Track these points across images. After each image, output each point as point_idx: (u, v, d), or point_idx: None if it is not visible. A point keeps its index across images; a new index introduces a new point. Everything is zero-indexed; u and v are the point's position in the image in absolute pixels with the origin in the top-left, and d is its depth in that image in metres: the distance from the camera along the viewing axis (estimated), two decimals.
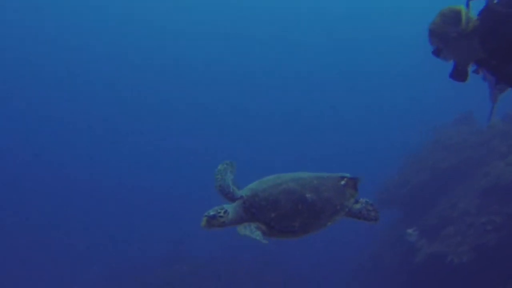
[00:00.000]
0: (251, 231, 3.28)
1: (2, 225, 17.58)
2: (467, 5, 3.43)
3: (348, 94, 30.64)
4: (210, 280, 11.53)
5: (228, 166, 3.77)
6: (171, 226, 15.59)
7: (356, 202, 3.63)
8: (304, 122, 28.98)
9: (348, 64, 32.82)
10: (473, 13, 3.40)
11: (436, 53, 3.52)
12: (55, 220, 18.42)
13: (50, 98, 30.11)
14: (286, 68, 33.43)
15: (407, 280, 8.97)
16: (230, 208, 3.41)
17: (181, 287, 11.33)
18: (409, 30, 29.29)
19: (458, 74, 3.60)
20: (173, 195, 20.80)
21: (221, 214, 3.34)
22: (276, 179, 3.54)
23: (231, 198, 3.56)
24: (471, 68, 3.59)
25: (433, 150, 10.90)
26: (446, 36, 3.42)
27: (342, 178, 3.65)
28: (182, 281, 11.58)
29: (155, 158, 26.61)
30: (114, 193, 21.83)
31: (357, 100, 29.80)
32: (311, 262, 13.32)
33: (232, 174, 3.75)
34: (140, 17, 34.49)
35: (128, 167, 25.74)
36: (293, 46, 34.60)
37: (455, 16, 3.45)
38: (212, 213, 3.33)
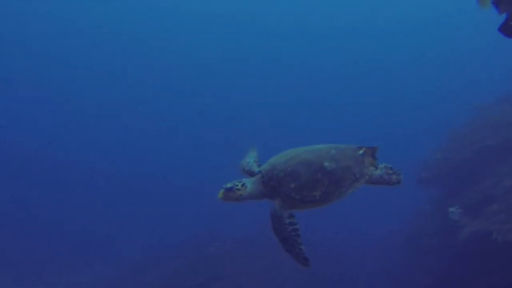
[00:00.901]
0: (294, 247, 3.29)
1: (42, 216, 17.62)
2: None
3: (393, 75, 31.40)
4: (248, 259, 11.38)
5: (251, 151, 3.98)
6: (206, 206, 16.14)
7: (376, 169, 3.68)
8: (349, 102, 29.58)
9: (396, 47, 34.17)
10: None
11: (496, 3, 3.47)
12: (94, 205, 18.76)
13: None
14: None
15: (450, 258, 8.93)
16: (249, 182, 3.48)
17: (218, 267, 11.21)
18: (455, 12, 30.86)
19: (507, 29, 3.57)
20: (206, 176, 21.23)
21: (239, 187, 3.40)
22: (294, 152, 3.58)
23: (250, 173, 3.68)
24: None
25: (476, 128, 10.69)
26: None
27: (360, 147, 3.68)
28: (219, 261, 11.53)
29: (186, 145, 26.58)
30: (148, 176, 22.31)
31: (401, 81, 30.53)
32: (347, 242, 13.31)
33: (253, 156, 3.91)
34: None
35: (161, 150, 26.18)
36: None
37: None
38: (229, 185, 3.39)
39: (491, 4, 3.50)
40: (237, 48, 35.51)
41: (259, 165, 3.80)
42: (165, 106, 30.58)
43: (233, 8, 35.90)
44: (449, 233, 8.81)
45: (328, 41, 34.93)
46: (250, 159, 3.90)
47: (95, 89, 30.76)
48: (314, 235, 13.06)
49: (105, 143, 26.98)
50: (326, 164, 3.45)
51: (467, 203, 8.74)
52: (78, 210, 18.20)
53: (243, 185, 3.45)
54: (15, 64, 29.62)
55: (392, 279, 10.83)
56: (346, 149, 3.65)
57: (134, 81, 32.04)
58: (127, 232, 15.85)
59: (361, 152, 3.67)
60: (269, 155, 3.74)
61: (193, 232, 13.90)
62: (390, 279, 10.89)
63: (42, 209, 17.87)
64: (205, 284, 10.59)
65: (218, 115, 29.22)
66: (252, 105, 29.88)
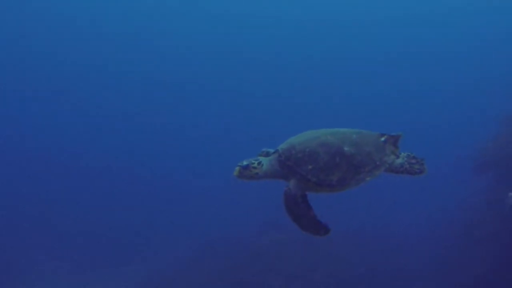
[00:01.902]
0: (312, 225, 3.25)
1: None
2: None
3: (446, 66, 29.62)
4: (305, 247, 11.16)
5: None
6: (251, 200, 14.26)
7: (397, 157, 3.64)
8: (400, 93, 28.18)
9: (445, 36, 31.47)
10: None
11: None
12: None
13: None
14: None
15: (507, 245, 8.83)
16: (265, 161, 3.47)
17: (269, 259, 11.06)
18: None
19: None
20: None
21: (255, 165, 3.38)
22: (314, 133, 3.57)
23: (266, 154, 3.66)
24: None
25: None
26: None
27: (382, 134, 3.66)
28: (277, 248, 11.47)
29: None
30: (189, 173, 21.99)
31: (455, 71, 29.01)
32: (400, 232, 13.04)
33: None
34: None
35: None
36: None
37: None
38: (245, 163, 3.38)
39: None
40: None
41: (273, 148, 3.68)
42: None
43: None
44: (507, 219, 8.97)
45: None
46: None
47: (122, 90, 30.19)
48: (366, 226, 13.52)
49: (140, 142, 26.65)
50: (346, 148, 3.39)
51: None
52: (122, 209, 18.62)
53: (259, 163, 3.40)
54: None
55: (447, 268, 10.26)
56: (368, 135, 3.62)
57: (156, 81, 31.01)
58: (174, 230, 15.95)
59: (383, 139, 3.61)
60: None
61: (241, 226, 12.75)
62: (445, 269, 10.32)
63: (92, 210, 18.60)
64: (257, 276, 10.74)
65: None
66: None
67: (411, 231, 13.30)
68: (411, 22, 33.00)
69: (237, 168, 3.35)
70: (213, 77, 31.93)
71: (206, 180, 20.35)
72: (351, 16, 33.29)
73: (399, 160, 3.62)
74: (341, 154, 3.36)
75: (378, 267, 11.31)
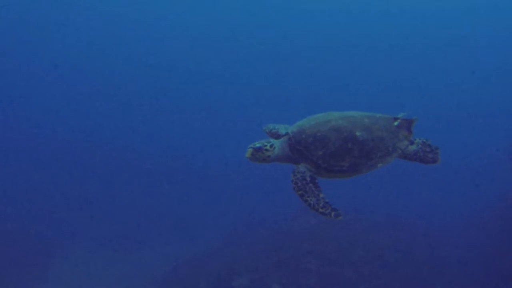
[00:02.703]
0: (320, 205, 3.10)
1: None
2: None
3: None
4: (340, 231, 11.39)
5: (282, 126, 3.74)
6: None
7: (411, 143, 3.50)
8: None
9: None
10: None
11: None
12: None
13: None
14: None
15: None
16: (277, 144, 3.40)
17: (305, 242, 11.11)
18: None
19: None
20: None
21: (267, 147, 3.31)
22: (325, 117, 3.41)
23: (277, 136, 3.56)
24: None
25: None
26: None
27: (396, 118, 3.50)
28: (312, 232, 11.58)
29: None
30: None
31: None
32: (438, 221, 12.81)
33: (283, 126, 3.73)
34: None
35: None
36: None
37: None
38: (258, 145, 3.31)
39: None
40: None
41: (286, 128, 3.59)
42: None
43: None
44: None
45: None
46: (279, 125, 3.70)
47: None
48: (403, 214, 13.21)
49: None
50: (358, 133, 3.26)
51: None
52: (164, 193, 18.96)
53: (271, 145, 3.33)
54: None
55: (485, 258, 10.12)
56: (380, 119, 3.45)
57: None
58: (212, 213, 16.31)
59: (396, 123, 3.46)
60: None
61: (273, 211, 12.84)
62: (482, 258, 10.18)
63: (129, 191, 19.13)
64: (294, 257, 10.83)
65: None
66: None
67: (449, 220, 13.33)
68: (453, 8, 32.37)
69: (250, 150, 3.29)
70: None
71: (243, 167, 19.73)
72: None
73: (413, 147, 3.49)
74: (353, 139, 3.24)
75: (414, 253, 11.30)
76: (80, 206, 17.40)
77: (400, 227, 12.44)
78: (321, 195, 3.18)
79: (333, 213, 3.10)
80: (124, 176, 21.42)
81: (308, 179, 3.20)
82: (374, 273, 10.61)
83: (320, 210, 3.12)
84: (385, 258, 11.11)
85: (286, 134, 3.41)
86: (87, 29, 31.65)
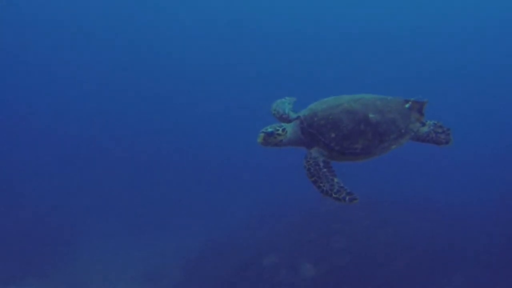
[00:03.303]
0: (335, 190, 3.02)
1: None
2: None
3: None
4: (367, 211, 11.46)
5: (287, 100, 3.78)
6: None
7: (423, 125, 3.49)
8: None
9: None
10: None
11: None
12: None
13: None
14: None
15: None
16: (289, 128, 3.36)
17: (333, 222, 11.26)
18: None
19: None
20: None
21: (279, 132, 3.25)
22: (337, 100, 3.38)
23: (287, 119, 3.54)
24: None
25: None
26: None
27: (407, 101, 3.48)
28: (338, 213, 11.62)
29: None
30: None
31: None
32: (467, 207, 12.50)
33: (290, 105, 3.72)
34: None
35: None
36: None
37: None
38: (270, 129, 3.25)
39: None
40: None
41: (295, 112, 3.56)
42: None
43: None
44: None
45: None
46: (285, 105, 3.67)
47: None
48: (430, 196, 13.12)
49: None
50: (371, 115, 3.22)
51: None
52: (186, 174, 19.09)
53: (283, 129, 3.27)
54: None
55: None
56: (392, 101, 3.43)
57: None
58: (232, 196, 16.23)
59: (407, 106, 3.43)
60: None
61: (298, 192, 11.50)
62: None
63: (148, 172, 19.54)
64: (322, 236, 10.95)
65: None
66: None
67: (479, 202, 12.98)
68: None
69: (261, 135, 3.21)
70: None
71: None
72: None
73: (424, 129, 3.47)
74: (365, 121, 3.19)
75: (442, 234, 11.28)
76: (101, 193, 17.52)
77: (427, 208, 12.44)
78: (335, 180, 3.13)
79: (347, 197, 3.03)
80: (145, 161, 21.51)
81: (321, 164, 3.16)
82: (402, 253, 10.61)
83: (334, 195, 3.07)
84: (413, 238, 11.12)
85: (298, 117, 3.35)
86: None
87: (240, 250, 11.67)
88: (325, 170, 3.14)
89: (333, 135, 3.18)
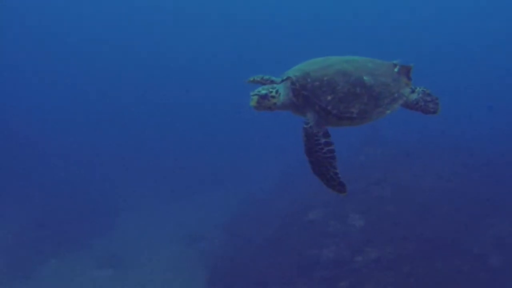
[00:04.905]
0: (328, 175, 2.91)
1: None
2: None
3: None
4: (407, 158, 11.47)
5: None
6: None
7: (412, 91, 3.36)
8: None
9: None
10: None
11: None
12: None
13: None
14: None
15: None
16: (281, 90, 3.05)
17: (379, 167, 11.27)
18: None
19: None
20: None
21: (273, 93, 2.98)
22: (327, 60, 3.17)
23: (271, 82, 3.27)
24: None
25: None
26: None
27: (395, 65, 3.36)
28: (379, 162, 11.75)
29: None
30: None
31: None
32: None
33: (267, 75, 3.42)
34: None
35: None
36: None
37: None
38: (263, 91, 2.97)
39: None
40: None
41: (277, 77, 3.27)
42: None
43: None
44: None
45: None
46: (264, 75, 3.44)
47: None
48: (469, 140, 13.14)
49: None
50: (365, 78, 3.07)
51: None
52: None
53: (277, 91, 3.01)
54: None
55: None
56: (382, 65, 3.32)
57: None
58: (262, 155, 16.73)
59: (396, 70, 3.33)
60: None
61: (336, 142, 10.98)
62: None
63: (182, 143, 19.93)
64: (367, 187, 10.74)
65: None
66: None
67: None
68: None
69: (255, 97, 2.94)
70: None
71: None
72: None
73: (414, 96, 3.34)
74: (361, 84, 3.02)
75: (481, 179, 11.19)
76: (139, 164, 18.07)
77: (467, 153, 12.23)
78: (333, 164, 2.97)
79: (338, 186, 2.96)
80: (182, 129, 22.05)
81: (322, 141, 2.93)
82: (444, 199, 10.56)
83: (327, 180, 2.96)
84: (455, 183, 11.04)
85: (287, 78, 3.06)
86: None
87: (279, 208, 11.71)
88: (325, 150, 2.93)
89: (329, 97, 2.97)
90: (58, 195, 15.03)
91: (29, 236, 13.17)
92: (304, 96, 2.99)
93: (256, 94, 2.95)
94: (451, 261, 8.63)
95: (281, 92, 3.02)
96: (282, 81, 3.11)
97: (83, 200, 14.83)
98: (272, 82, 3.32)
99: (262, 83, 3.39)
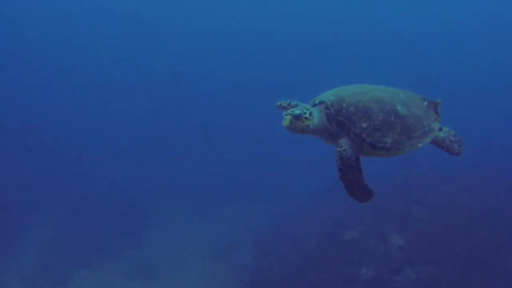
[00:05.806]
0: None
1: None
2: None
3: None
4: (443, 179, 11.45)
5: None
6: None
7: (440, 129, 3.32)
8: None
9: None
10: None
11: None
12: None
13: None
14: None
15: None
16: (315, 112, 2.99)
17: (415, 188, 11.21)
18: None
19: None
20: None
21: (307, 115, 2.91)
22: (360, 88, 3.13)
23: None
24: None
25: None
26: None
27: (424, 98, 3.34)
28: (415, 182, 11.58)
29: None
30: None
31: None
32: None
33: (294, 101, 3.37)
34: None
35: None
36: None
37: None
38: (297, 112, 2.90)
39: None
40: None
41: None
42: None
43: None
44: None
45: None
46: (292, 100, 3.38)
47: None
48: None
49: None
50: (399, 107, 2.99)
51: None
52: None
53: (310, 113, 2.94)
54: None
55: None
56: (412, 96, 3.27)
57: None
58: (296, 171, 16.71)
59: (425, 103, 3.31)
60: None
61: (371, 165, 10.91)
62: None
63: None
64: (404, 207, 10.75)
65: None
66: None
67: None
68: None
69: (288, 117, 2.85)
70: None
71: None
72: None
73: (441, 134, 3.28)
74: (395, 113, 2.93)
75: None
76: (170, 175, 18.15)
77: (505, 172, 12.16)
78: (362, 178, 2.92)
79: (368, 197, 2.94)
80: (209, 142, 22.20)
81: (354, 163, 2.86)
82: (483, 219, 10.47)
83: (358, 197, 2.91)
84: (490, 202, 10.95)
85: (321, 102, 2.99)
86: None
87: (316, 222, 11.75)
88: (357, 169, 2.88)
89: (365, 125, 2.88)
90: (94, 206, 15.26)
91: (62, 244, 13.36)
92: (339, 121, 2.93)
93: (289, 114, 2.88)
94: (490, 282, 8.57)
95: (315, 114, 2.96)
96: (315, 105, 3.04)
97: (116, 212, 15.01)
98: (301, 104, 3.29)
99: (289, 108, 3.25)
